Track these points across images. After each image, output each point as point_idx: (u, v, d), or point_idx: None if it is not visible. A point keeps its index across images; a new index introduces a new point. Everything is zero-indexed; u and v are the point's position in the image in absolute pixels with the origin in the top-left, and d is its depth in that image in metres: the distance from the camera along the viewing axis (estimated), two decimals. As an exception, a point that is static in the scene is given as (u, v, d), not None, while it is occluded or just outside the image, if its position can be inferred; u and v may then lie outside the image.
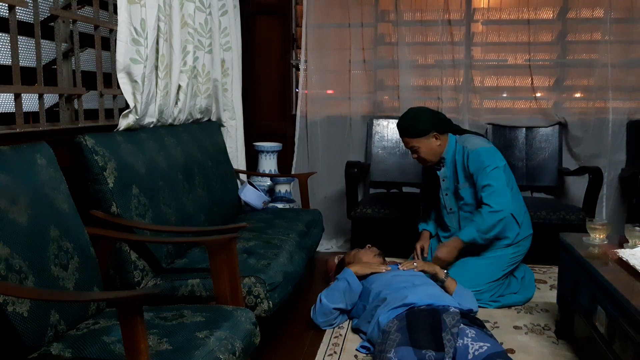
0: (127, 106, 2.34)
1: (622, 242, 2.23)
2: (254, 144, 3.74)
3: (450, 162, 2.84)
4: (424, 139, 2.80)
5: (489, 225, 2.67)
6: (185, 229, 2.40)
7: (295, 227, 2.86)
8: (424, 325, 1.97)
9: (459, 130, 2.93)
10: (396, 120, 2.95)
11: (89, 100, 2.72)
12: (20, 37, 2.13)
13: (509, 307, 2.74)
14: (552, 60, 3.94)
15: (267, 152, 3.71)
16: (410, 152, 2.91)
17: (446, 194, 2.90)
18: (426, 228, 3.07)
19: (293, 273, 2.35)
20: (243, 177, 3.67)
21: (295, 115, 4.11)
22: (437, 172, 2.90)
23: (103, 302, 1.76)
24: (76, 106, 2.43)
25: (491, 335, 2.07)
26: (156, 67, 2.50)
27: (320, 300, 2.49)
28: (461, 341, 1.92)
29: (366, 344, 2.29)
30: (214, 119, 3.41)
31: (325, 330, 2.49)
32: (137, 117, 2.37)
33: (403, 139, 2.88)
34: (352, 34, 3.99)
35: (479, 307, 2.54)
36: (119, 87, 2.31)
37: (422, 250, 2.97)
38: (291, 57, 4.18)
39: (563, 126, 3.84)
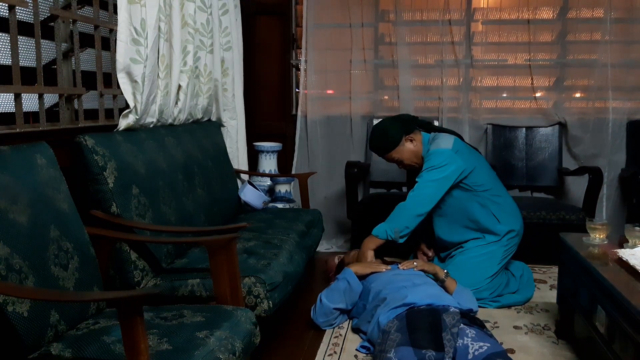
0: (127, 106, 2.33)
1: (622, 242, 2.23)
2: (254, 144, 3.74)
3: None
4: (399, 147, 2.82)
5: (396, 217, 2.70)
6: (185, 229, 2.40)
7: (295, 227, 2.86)
8: (424, 325, 1.97)
9: (429, 126, 2.95)
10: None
11: (89, 100, 2.72)
12: (20, 37, 2.13)
13: (509, 307, 2.74)
14: (552, 60, 3.94)
15: (267, 152, 3.71)
16: (396, 165, 2.93)
17: None
18: None
19: (293, 273, 2.35)
20: (245, 177, 3.66)
21: (295, 115, 4.11)
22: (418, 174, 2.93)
23: (103, 302, 1.76)
24: (76, 106, 2.43)
25: (491, 335, 2.07)
26: (157, 67, 2.50)
27: (321, 301, 2.49)
28: (461, 341, 1.92)
29: (366, 344, 2.29)
30: (213, 119, 3.41)
31: (325, 330, 2.49)
32: (137, 117, 2.37)
33: (382, 156, 2.91)
34: (352, 34, 3.99)
35: (479, 307, 2.54)
36: (119, 87, 2.31)
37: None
38: (291, 57, 4.18)
39: (563, 126, 3.84)
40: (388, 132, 2.82)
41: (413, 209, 2.69)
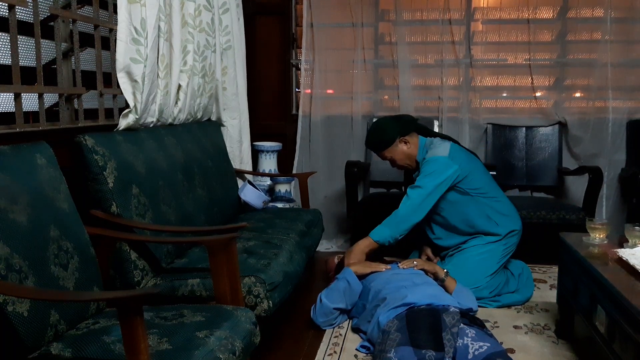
0: (127, 106, 2.33)
1: (622, 242, 2.23)
2: (254, 143, 3.74)
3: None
4: (392, 147, 2.85)
5: (393, 224, 2.70)
6: (185, 228, 2.40)
7: (295, 226, 2.86)
8: (424, 325, 1.97)
9: (426, 130, 2.96)
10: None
11: (89, 100, 2.72)
12: (20, 37, 2.13)
13: (509, 306, 2.74)
14: (552, 60, 3.94)
15: (267, 151, 3.71)
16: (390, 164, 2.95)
17: None
18: None
19: (293, 273, 2.35)
20: (249, 177, 3.65)
21: (295, 115, 4.11)
22: (413, 175, 2.94)
23: (103, 302, 1.76)
24: (76, 106, 2.43)
25: (491, 335, 2.07)
26: (156, 67, 2.50)
27: (321, 300, 2.49)
28: (461, 341, 1.92)
29: (366, 343, 2.29)
30: (213, 118, 3.41)
31: (325, 330, 2.49)
32: (137, 117, 2.36)
33: (377, 154, 2.94)
34: (353, 33, 3.98)
35: (479, 306, 2.54)
36: (119, 86, 2.31)
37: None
38: (291, 57, 4.18)
39: (563, 126, 3.84)
40: (384, 131, 2.84)
41: (408, 218, 2.70)
